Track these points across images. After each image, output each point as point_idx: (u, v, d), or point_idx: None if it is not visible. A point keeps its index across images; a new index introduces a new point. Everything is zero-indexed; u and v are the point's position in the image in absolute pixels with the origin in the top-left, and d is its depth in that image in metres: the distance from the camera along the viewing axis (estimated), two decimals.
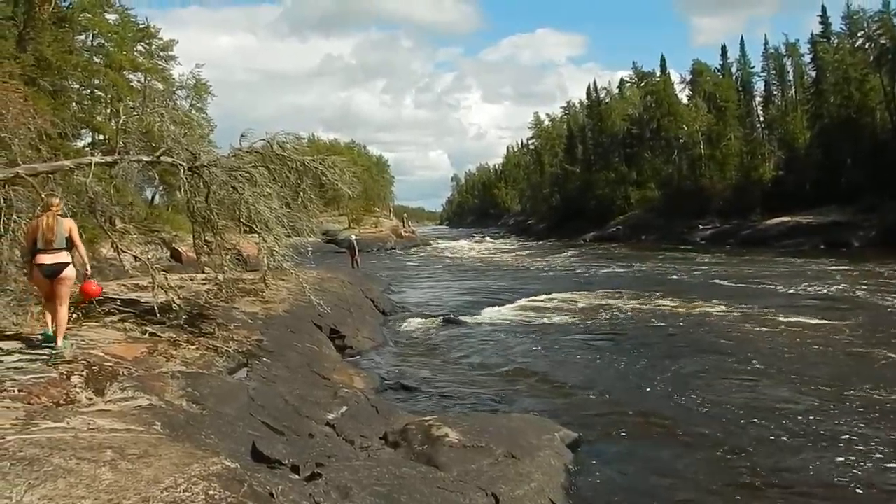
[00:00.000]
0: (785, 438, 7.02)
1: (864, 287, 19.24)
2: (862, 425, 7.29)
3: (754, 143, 56.84)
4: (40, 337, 6.55)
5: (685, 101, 64.31)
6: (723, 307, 16.17)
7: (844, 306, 15.63)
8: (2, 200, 7.90)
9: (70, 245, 6.48)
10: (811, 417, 7.66)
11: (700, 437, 7.20)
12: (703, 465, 6.44)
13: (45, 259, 6.31)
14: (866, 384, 8.87)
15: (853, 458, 6.41)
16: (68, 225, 6.51)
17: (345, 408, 7.15)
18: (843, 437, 6.99)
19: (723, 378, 9.65)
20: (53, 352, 6.05)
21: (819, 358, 10.65)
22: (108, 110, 36.21)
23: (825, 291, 18.83)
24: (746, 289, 20.06)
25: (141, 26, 39.46)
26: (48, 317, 6.48)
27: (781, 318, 14.24)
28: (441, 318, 15.81)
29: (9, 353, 6.04)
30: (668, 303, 17.44)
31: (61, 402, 4.85)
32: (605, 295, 19.38)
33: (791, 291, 19.06)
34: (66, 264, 6.41)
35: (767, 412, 7.90)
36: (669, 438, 7.24)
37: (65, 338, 6.33)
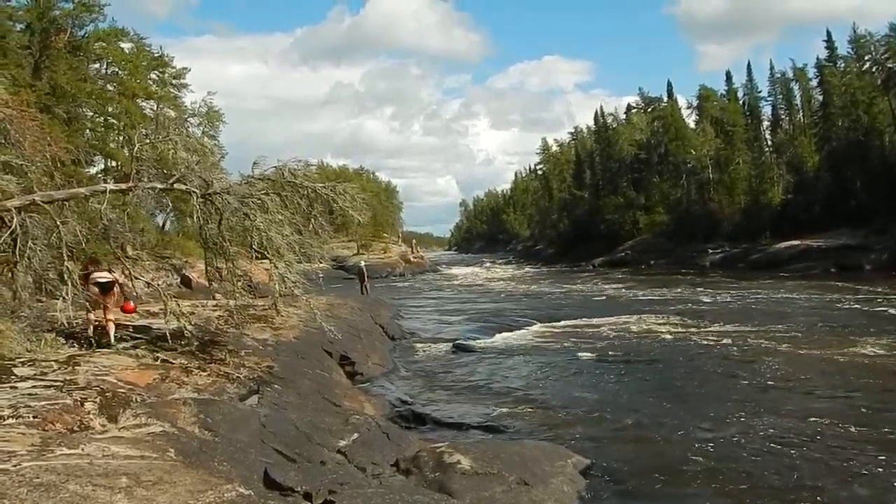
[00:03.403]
0: (802, 468, 6.89)
1: (879, 311, 19.10)
2: (882, 458, 7.14)
3: (763, 166, 56.84)
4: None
5: (692, 125, 64.54)
6: (734, 331, 16.08)
7: (861, 331, 15.44)
8: (17, 227, 7.98)
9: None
10: (828, 447, 7.51)
11: (714, 463, 7.11)
12: (717, 494, 6.36)
13: (100, 277, 8.35)
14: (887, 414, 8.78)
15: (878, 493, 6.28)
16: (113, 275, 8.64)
17: (356, 435, 7.12)
18: (866, 471, 6.78)
19: (737, 404, 9.54)
20: (110, 347, 7.95)
21: (837, 387, 10.45)
22: (121, 137, 36.61)
23: (840, 316, 18.68)
24: (757, 313, 19.91)
25: (155, 55, 40.03)
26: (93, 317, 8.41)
27: (794, 343, 14.13)
28: (451, 343, 15.78)
29: (23, 379, 6.08)
30: (679, 327, 17.36)
31: (76, 428, 4.86)
32: (615, 320, 19.29)
33: (804, 316, 18.88)
34: (115, 282, 8.51)
35: (782, 440, 7.80)
36: (683, 465, 7.17)
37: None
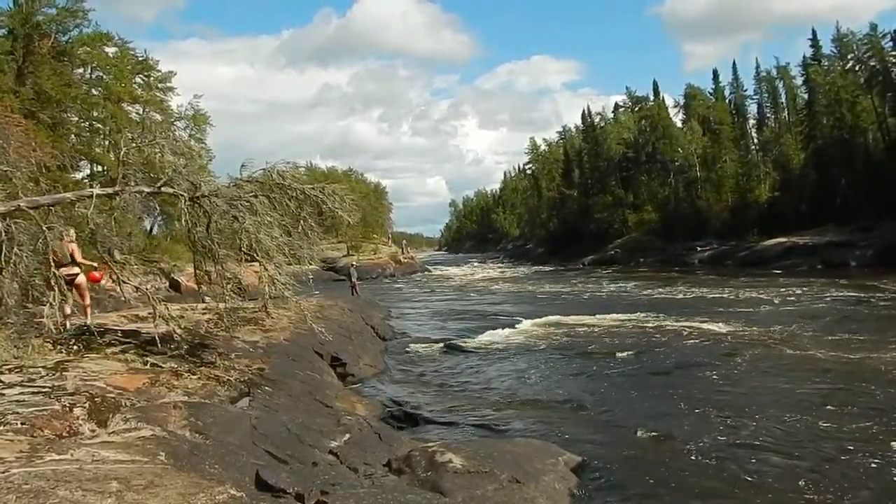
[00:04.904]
0: (795, 466, 6.90)
1: (866, 307, 19.27)
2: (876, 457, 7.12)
3: (749, 164, 57.26)
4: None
5: (679, 124, 64.90)
6: (724, 329, 16.18)
7: (854, 329, 15.54)
8: (3, 233, 7.92)
9: (74, 260, 8.85)
10: (820, 445, 7.48)
11: (707, 460, 7.15)
12: (708, 491, 6.39)
13: (63, 272, 8.55)
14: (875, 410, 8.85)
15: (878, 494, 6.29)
16: (70, 247, 8.83)
17: (348, 435, 7.12)
18: (859, 470, 6.71)
19: (729, 401, 9.57)
20: (81, 328, 8.84)
21: (829, 384, 10.39)
22: (107, 142, 36.41)
23: (829, 313, 18.83)
24: (746, 311, 20.03)
25: (140, 59, 39.81)
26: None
27: (786, 340, 14.19)
28: (442, 343, 15.78)
29: (10, 385, 6.03)
30: (669, 324, 17.43)
31: (65, 434, 4.84)
32: (605, 318, 19.35)
33: (794, 313, 19.02)
34: (76, 274, 8.96)
35: (775, 437, 7.82)
36: (675, 462, 7.19)
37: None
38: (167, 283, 30.25)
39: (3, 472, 3.72)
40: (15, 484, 3.55)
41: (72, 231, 8.92)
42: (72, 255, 8.86)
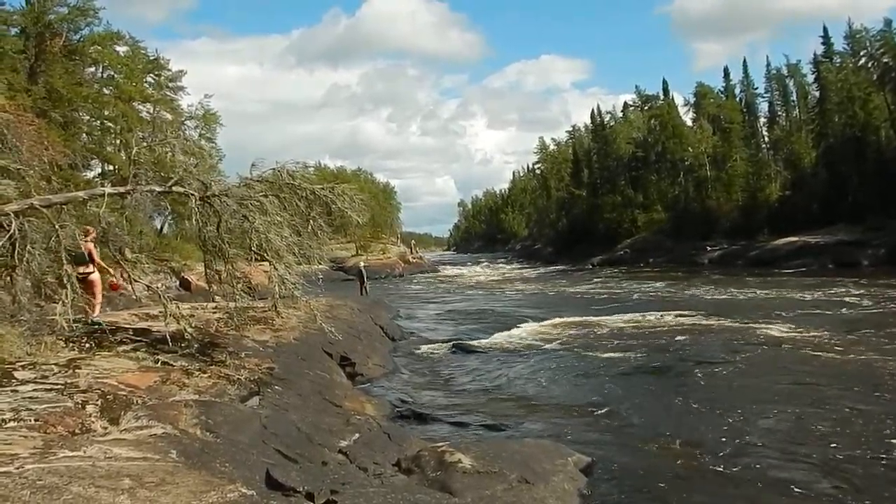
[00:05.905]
0: (806, 470, 6.85)
1: (880, 306, 19.14)
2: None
3: (760, 163, 56.82)
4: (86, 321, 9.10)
5: (689, 123, 64.55)
6: (737, 329, 16.08)
7: (862, 328, 15.45)
8: (16, 232, 7.98)
9: (91, 259, 9.09)
10: (840, 450, 7.39)
11: (715, 460, 7.13)
12: (720, 493, 6.36)
13: (78, 270, 8.80)
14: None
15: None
16: (87, 247, 8.99)
17: (357, 435, 7.14)
18: (876, 479, 6.59)
19: (739, 403, 9.49)
20: (93, 323, 8.97)
21: (843, 387, 10.19)
22: (118, 141, 36.61)
23: (840, 312, 18.71)
24: (757, 310, 19.88)
25: (150, 58, 39.99)
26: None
27: (798, 341, 14.10)
28: (451, 343, 15.78)
29: (24, 382, 6.08)
30: (678, 324, 17.36)
31: (77, 431, 4.88)
32: (614, 318, 19.30)
33: (805, 313, 18.88)
34: (89, 273, 9.14)
35: (786, 441, 7.78)
36: (684, 462, 7.18)
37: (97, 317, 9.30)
38: (177, 282, 30.44)
39: (18, 468, 3.76)
40: (29, 480, 3.59)
41: (92, 230, 9.07)
42: (89, 255, 9.00)
